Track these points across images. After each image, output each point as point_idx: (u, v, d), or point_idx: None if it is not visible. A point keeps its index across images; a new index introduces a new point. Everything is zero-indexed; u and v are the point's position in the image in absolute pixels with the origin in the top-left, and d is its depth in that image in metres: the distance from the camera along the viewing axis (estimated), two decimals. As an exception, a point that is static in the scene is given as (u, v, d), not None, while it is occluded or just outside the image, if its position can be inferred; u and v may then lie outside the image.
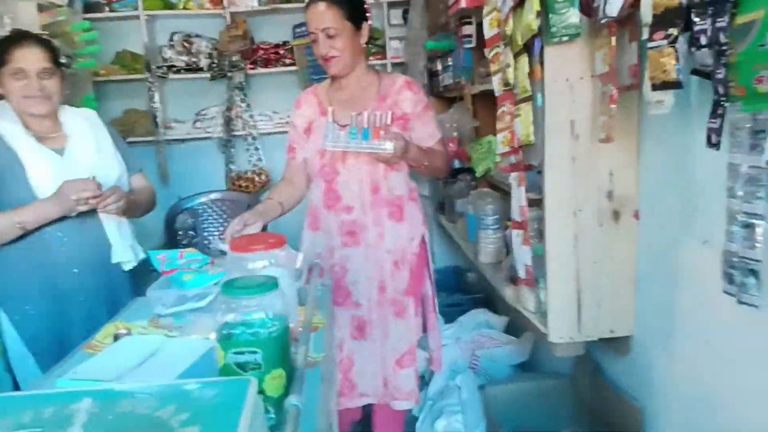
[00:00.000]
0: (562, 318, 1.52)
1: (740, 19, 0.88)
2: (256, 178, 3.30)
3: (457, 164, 2.64)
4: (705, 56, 0.97)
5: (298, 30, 3.28)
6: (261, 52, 3.30)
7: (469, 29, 2.33)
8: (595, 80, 1.37)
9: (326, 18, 1.63)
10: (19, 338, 1.57)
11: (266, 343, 0.79)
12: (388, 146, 1.59)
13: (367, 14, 1.77)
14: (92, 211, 1.58)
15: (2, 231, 1.50)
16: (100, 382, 0.82)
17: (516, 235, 1.59)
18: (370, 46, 3.43)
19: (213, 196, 3.18)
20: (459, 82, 2.57)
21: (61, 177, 1.52)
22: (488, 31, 1.61)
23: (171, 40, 3.27)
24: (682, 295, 1.31)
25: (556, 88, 1.39)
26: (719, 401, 1.20)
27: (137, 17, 3.14)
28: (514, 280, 1.81)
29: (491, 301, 2.79)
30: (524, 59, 1.41)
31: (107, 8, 3.15)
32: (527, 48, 1.41)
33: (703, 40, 0.96)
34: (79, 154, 1.62)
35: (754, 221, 0.90)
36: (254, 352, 0.79)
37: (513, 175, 1.59)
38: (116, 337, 1.14)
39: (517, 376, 2.25)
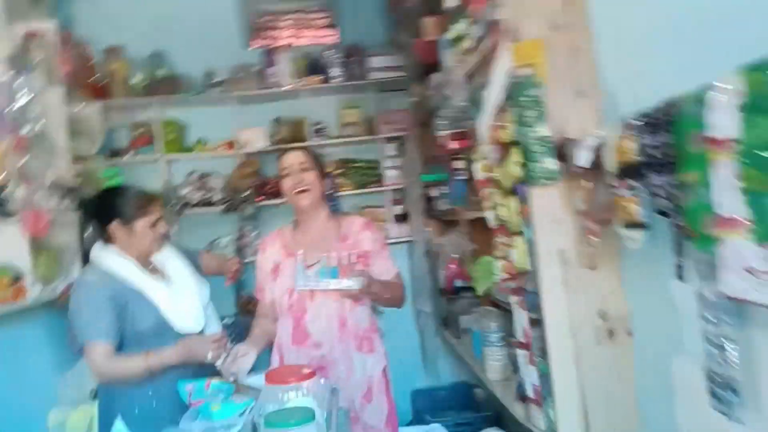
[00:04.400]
0: (572, 435, 1.59)
1: (683, 178, 1.09)
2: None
3: (459, 283, 2.80)
4: (663, 203, 1.18)
5: (303, 165, 3.59)
6: (269, 186, 3.59)
7: (460, 164, 2.61)
8: (578, 217, 1.57)
9: (300, 157, 1.91)
10: None
11: None
12: (356, 284, 1.74)
13: (327, 173, 2.06)
14: None
15: (127, 375, 1.69)
16: None
17: (521, 355, 1.71)
18: (369, 176, 3.75)
19: (225, 321, 3.27)
20: (454, 208, 2.81)
21: (176, 302, 1.79)
22: (479, 175, 1.85)
23: (187, 179, 3.57)
24: (681, 411, 1.40)
25: (544, 224, 1.60)
26: None
27: (156, 160, 3.46)
28: (523, 397, 1.89)
29: (501, 419, 2.80)
30: (513, 200, 1.63)
31: (131, 152, 3.46)
32: (515, 189, 1.64)
33: (660, 192, 1.17)
34: (180, 281, 1.90)
35: (724, 343, 1.05)
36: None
37: (513, 298, 1.74)
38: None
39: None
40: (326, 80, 3.60)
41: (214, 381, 1.62)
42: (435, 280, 3.32)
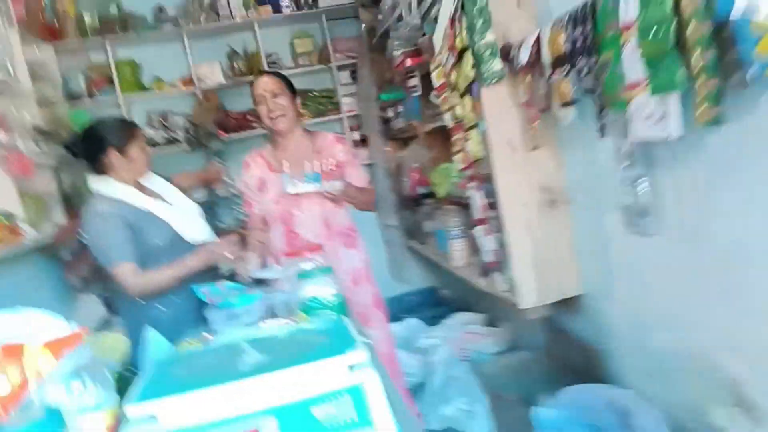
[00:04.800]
0: (527, 289, 1.97)
1: (602, 58, 1.39)
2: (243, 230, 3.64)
3: (422, 190, 3.11)
4: (588, 82, 1.48)
5: (262, 98, 3.73)
6: (232, 120, 3.72)
7: (414, 81, 2.85)
8: (521, 108, 1.88)
9: (272, 83, 2.08)
10: None
11: (338, 306, 1.19)
12: (337, 184, 2.03)
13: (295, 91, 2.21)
14: None
15: (159, 286, 1.84)
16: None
17: (479, 230, 2.05)
18: (325, 104, 3.93)
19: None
20: (411, 124, 3.07)
21: (181, 216, 1.95)
22: (436, 81, 2.11)
23: (149, 119, 3.65)
24: (611, 254, 1.79)
25: (494, 116, 1.89)
26: (653, 325, 1.66)
27: (117, 103, 3.51)
28: (485, 271, 2.25)
29: (467, 308, 3.21)
30: (468, 99, 1.91)
31: (88, 97, 3.49)
32: (468, 90, 1.91)
33: (585, 72, 1.47)
34: (176, 199, 2.05)
35: (636, 180, 1.39)
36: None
37: (471, 185, 2.06)
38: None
39: (502, 354, 2.66)
40: (277, 11, 3.69)
41: (226, 283, 1.84)
42: (399, 196, 3.62)
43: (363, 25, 3.63)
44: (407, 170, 3.15)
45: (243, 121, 3.75)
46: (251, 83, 2.16)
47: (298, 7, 3.73)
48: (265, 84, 2.07)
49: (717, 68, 1.10)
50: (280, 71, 2.33)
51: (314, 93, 3.91)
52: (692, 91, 1.16)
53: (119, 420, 0.82)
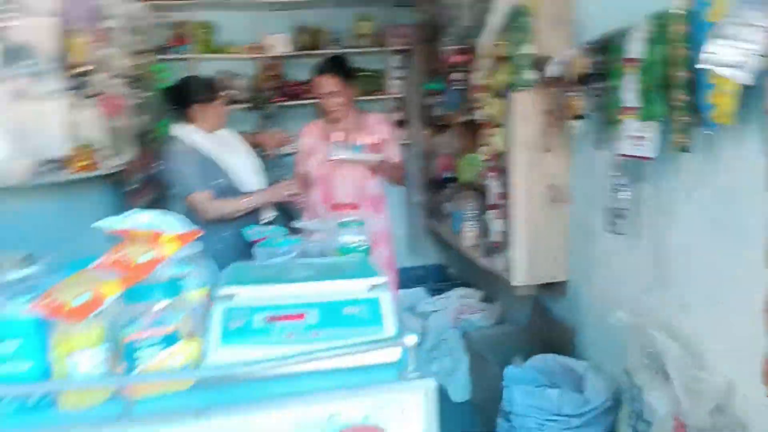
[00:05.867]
0: (521, 269, 2.31)
1: (609, 84, 1.71)
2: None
3: (448, 174, 3.45)
4: (597, 101, 1.81)
5: (318, 69, 4.10)
6: (289, 88, 4.09)
7: (458, 76, 3.17)
8: (543, 114, 2.20)
9: (329, 83, 2.42)
10: None
11: (365, 251, 1.56)
12: (378, 156, 2.40)
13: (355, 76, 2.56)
14: None
15: (230, 212, 2.23)
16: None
17: (491, 214, 2.39)
18: (374, 84, 4.27)
19: (267, 218, 3.82)
20: (448, 114, 3.40)
21: (242, 165, 2.36)
22: (477, 81, 2.44)
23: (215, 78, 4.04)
24: (595, 248, 2.12)
25: (518, 119, 2.22)
26: (613, 308, 2.00)
27: (190, 59, 3.92)
28: (489, 251, 2.60)
29: (468, 286, 3.57)
30: (499, 100, 2.25)
31: (169, 51, 3.90)
32: (502, 93, 2.24)
33: (596, 94, 1.79)
34: (241, 150, 2.44)
35: (619, 187, 1.72)
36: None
37: (490, 174, 2.40)
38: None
39: (490, 327, 3.02)
40: (347, -8, 4.03)
41: (270, 227, 2.21)
42: (426, 177, 3.97)
43: (419, 16, 3.95)
44: (438, 155, 3.49)
45: (299, 91, 4.13)
46: (313, 76, 2.49)
47: (368, -10, 4.06)
48: (326, 84, 2.41)
49: (688, 107, 1.42)
50: (339, 55, 2.67)
51: (366, 72, 4.25)
52: (670, 122, 1.49)
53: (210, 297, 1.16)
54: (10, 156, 2.35)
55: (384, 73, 4.28)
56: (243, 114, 4.06)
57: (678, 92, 1.44)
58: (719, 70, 1.23)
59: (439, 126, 3.81)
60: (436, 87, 3.53)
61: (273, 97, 4.03)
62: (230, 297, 1.07)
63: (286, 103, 4.09)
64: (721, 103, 1.28)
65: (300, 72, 4.17)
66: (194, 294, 1.13)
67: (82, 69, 2.66)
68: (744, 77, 1.19)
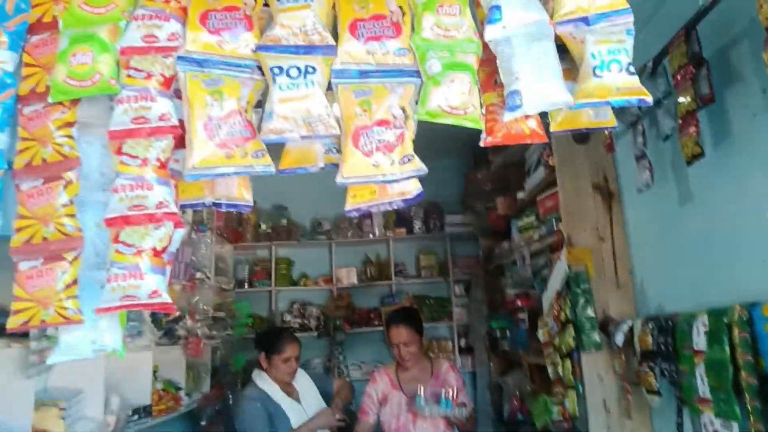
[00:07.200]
0: None
1: (680, 368, 1.71)
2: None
3: (520, 417, 3.31)
4: (670, 379, 1.79)
5: (386, 299, 4.33)
6: (357, 316, 4.30)
7: (523, 315, 3.25)
8: (617, 376, 2.17)
9: (403, 334, 2.53)
10: None
11: None
12: (467, 413, 2.38)
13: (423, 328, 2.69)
14: None
15: None
16: None
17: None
18: (439, 312, 4.41)
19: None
20: (516, 352, 3.40)
21: (303, 417, 2.44)
22: (542, 338, 2.50)
23: (290, 306, 4.35)
24: None
25: (591, 381, 2.20)
26: None
27: (270, 291, 4.28)
28: None
29: None
30: (568, 362, 2.26)
31: (247, 285, 4.30)
32: (569, 355, 2.27)
33: (666, 374, 1.78)
34: (308, 399, 2.55)
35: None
36: None
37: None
38: None
39: None
40: (410, 231, 4.43)
41: None
42: (497, 412, 3.82)
43: (481, 252, 4.21)
44: (509, 395, 3.40)
45: (367, 318, 4.33)
46: (387, 321, 2.68)
47: (428, 230, 4.45)
48: (399, 335, 2.54)
49: (762, 415, 1.38)
50: (410, 307, 2.85)
51: (431, 300, 4.44)
52: (747, 423, 1.43)
53: None
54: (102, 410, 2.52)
55: (448, 301, 4.44)
56: (313, 340, 4.24)
57: (749, 397, 1.41)
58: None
59: (506, 359, 3.79)
60: (502, 325, 3.61)
61: (342, 325, 4.22)
62: None
63: (354, 330, 4.26)
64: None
65: (367, 300, 4.41)
66: None
67: (171, 317, 2.96)
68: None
